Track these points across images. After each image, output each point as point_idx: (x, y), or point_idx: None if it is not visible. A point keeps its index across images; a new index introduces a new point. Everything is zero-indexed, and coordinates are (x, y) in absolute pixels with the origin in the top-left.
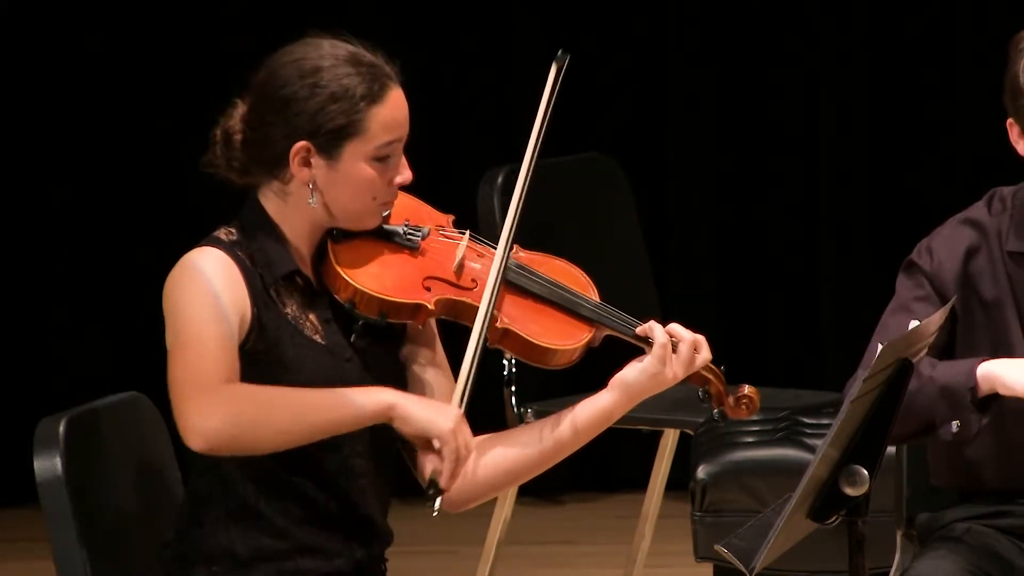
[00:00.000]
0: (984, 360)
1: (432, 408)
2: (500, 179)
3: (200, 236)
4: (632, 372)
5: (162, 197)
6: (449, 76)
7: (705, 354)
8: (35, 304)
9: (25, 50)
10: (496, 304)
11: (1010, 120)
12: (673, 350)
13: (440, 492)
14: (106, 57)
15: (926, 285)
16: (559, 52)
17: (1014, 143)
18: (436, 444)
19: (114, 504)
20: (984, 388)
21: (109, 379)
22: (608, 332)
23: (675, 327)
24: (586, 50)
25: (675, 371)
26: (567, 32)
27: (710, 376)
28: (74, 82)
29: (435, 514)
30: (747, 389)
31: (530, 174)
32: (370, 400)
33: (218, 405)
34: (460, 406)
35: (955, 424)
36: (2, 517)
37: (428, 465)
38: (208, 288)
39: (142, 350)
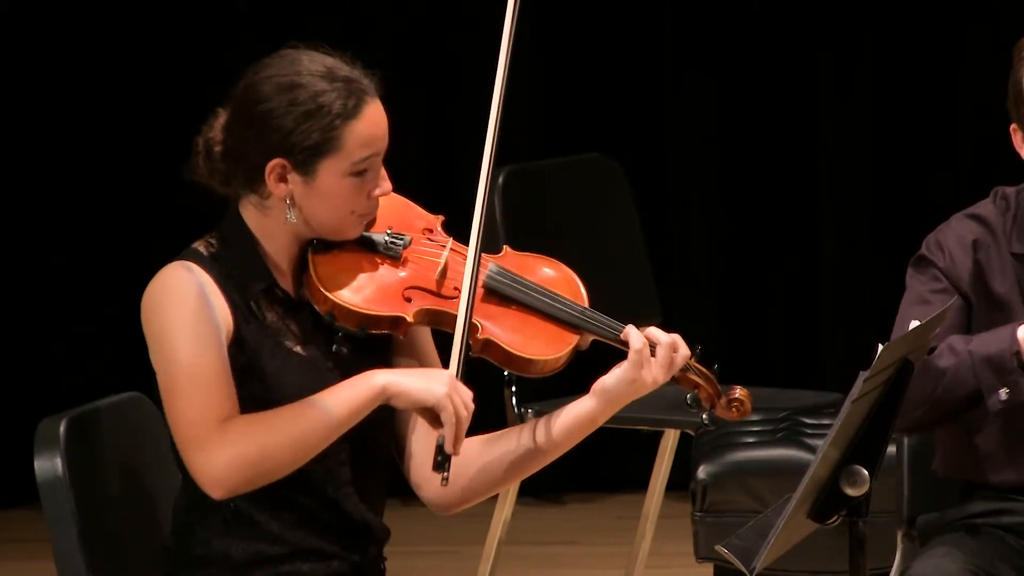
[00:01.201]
0: (1017, 325)
1: (423, 376)
2: (500, 179)
3: (199, 236)
4: (611, 379)
5: (161, 197)
6: (449, 76)
7: (683, 352)
8: (35, 304)
9: (25, 50)
10: (479, 314)
11: (1013, 125)
12: (652, 354)
13: (448, 458)
14: (103, 57)
15: (942, 279)
16: None
17: (1017, 148)
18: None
19: (114, 504)
20: None
21: (109, 379)
22: (594, 338)
23: (652, 330)
24: (586, 50)
25: (654, 375)
26: (567, 32)
27: (700, 380)
28: (74, 82)
29: (445, 484)
30: (738, 392)
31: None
32: (362, 388)
33: (222, 452)
34: (456, 373)
35: (1004, 392)
36: (2, 517)
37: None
38: (192, 311)
39: (142, 350)
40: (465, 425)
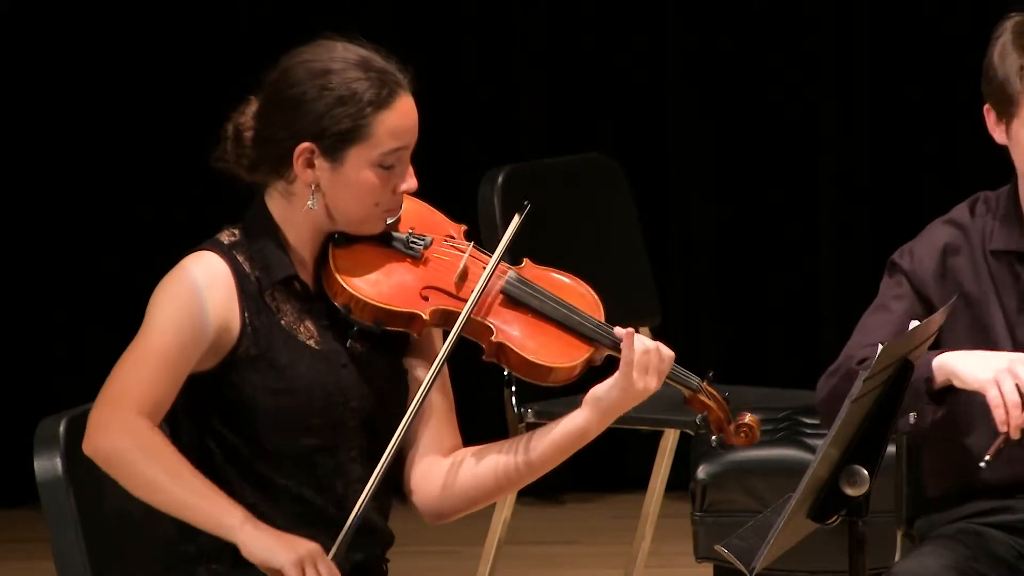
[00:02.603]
0: (942, 352)
1: (278, 540)
2: (500, 179)
3: (202, 236)
4: (603, 387)
5: (164, 197)
6: (449, 76)
7: (668, 354)
8: (35, 304)
9: (28, 46)
10: (495, 318)
11: (986, 105)
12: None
13: None
14: (105, 57)
15: (904, 284)
16: (524, 202)
17: (991, 131)
18: None
19: (114, 504)
20: (939, 380)
21: None
22: (609, 352)
23: (638, 337)
24: (586, 50)
25: (646, 382)
26: (567, 32)
27: (711, 403)
28: (76, 80)
29: None
30: (748, 418)
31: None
32: (225, 514)
33: (118, 431)
34: (333, 546)
35: (912, 416)
36: (2, 517)
37: None
38: (184, 305)
39: None
40: None
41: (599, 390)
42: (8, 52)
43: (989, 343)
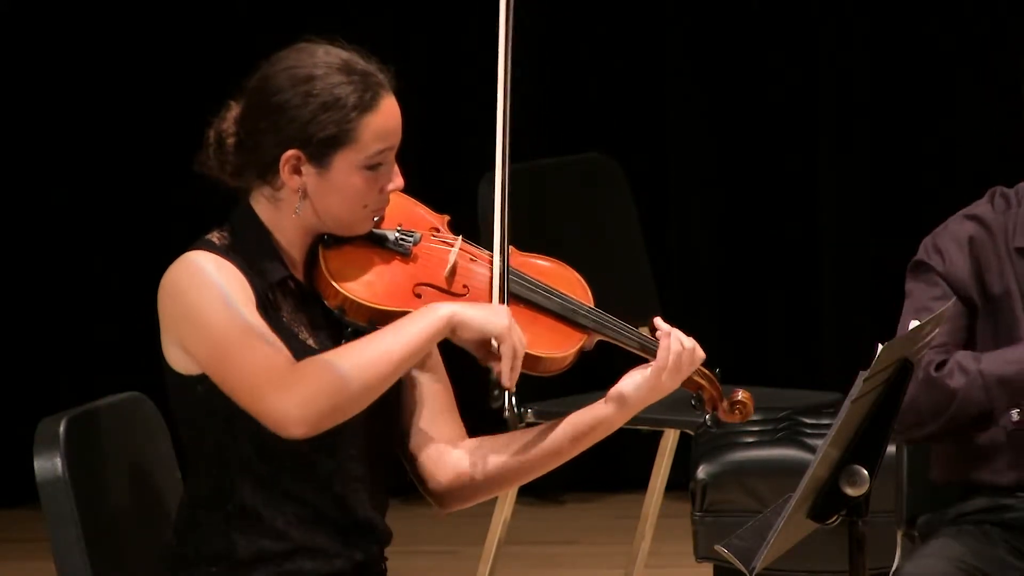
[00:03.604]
0: None
1: (485, 309)
2: None
3: (200, 235)
4: (631, 386)
5: (162, 197)
6: (449, 76)
7: (699, 354)
8: (36, 304)
9: (28, 46)
10: None
11: None
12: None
13: (503, 392)
14: (104, 56)
15: (942, 284)
16: None
17: None
18: (494, 344)
19: (114, 504)
20: None
21: (109, 379)
22: (600, 338)
23: (675, 333)
24: (587, 50)
25: (673, 381)
26: (567, 31)
27: (704, 382)
28: (76, 81)
29: (507, 415)
30: (741, 394)
31: (507, 139)
32: (428, 320)
33: (300, 388)
34: (504, 303)
35: (1016, 412)
36: (2, 517)
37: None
38: (223, 285)
39: (142, 350)
40: (520, 360)
41: (627, 389)
42: (8, 52)
43: (1011, 341)
